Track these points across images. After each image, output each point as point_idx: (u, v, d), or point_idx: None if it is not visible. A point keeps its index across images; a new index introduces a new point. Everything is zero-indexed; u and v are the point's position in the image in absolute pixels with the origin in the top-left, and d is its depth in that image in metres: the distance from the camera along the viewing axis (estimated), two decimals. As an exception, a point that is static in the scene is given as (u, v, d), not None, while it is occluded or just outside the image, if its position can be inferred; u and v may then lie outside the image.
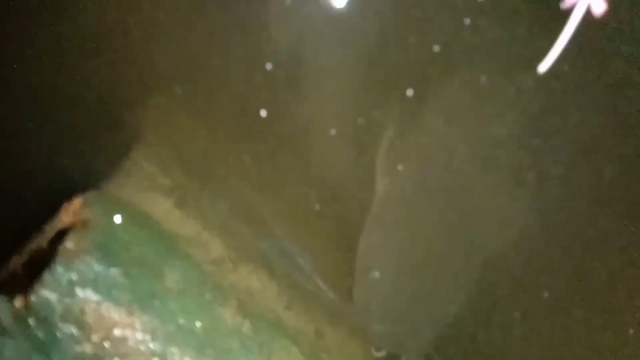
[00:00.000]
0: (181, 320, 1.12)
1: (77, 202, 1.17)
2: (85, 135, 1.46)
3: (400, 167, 1.54)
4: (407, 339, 1.66)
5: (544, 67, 1.26)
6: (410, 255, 1.60)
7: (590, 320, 1.51)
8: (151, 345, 1.04)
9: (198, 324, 1.15)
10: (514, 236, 1.52)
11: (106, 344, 1.00)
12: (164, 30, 1.51)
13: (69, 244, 1.06)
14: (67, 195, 1.22)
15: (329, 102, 1.53)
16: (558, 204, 1.52)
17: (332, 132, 1.51)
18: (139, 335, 1.02)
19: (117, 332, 1.01)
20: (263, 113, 1.48)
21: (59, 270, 1.00)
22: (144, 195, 1.39)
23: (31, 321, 0.98)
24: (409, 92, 1.44)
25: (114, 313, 1.01)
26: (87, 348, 0.99)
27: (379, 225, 1.59)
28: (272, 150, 1.59)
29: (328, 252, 1.65)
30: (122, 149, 1.48)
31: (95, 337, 0.99)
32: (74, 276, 1.00)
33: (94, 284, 1.01)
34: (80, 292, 0.99)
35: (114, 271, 1.06)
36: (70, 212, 1.16)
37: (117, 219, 1.17)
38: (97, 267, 1.03)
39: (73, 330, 0.98)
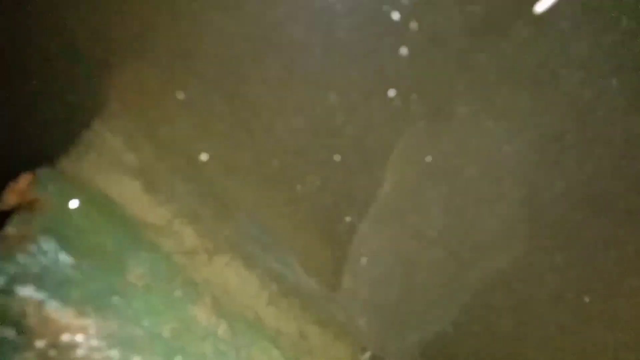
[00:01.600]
0: (146, 322, 0.95)
1: (24, 180, 0.99)
2: (39, 102, 1.27)
3: (415, 166, 1.44)
4: (392, 339, 1.56)
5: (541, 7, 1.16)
6: (406, 254, 1.48)
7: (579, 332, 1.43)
8: (108, 353, 0.87)
9: (166, 326, 0.98)
10: (511, 246, 1.45)
11: (52, 352, 0.83)
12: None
13: (10, 229, 0.88)
14: (14, 172, 1.04)
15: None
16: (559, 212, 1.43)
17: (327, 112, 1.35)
18: (94, 342, 0.85)
19: (65, 337, 0.83)
20: (248, 87, 1.32)
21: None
22: (107, 174, 1.22)
23: (-40, 323, 0.80)
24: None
25: (62, 315, 0.84)
26: (29, 356, 0.82)
27: (380, 219, 1.48)
28: (256, 129, 1.43)
29: (312, 241, 1.51)
30: (82, 118, 1.30)
31: (39, 344, 0.82)
32: (13, 270, 0.82)
33: (39, 279, 0.83)
34: (20, 290, 0.82)
35: (65, 263, 0.88)
36: (15, 192, 0.97)
37: (73, 202, 0.99)
38: (44, 258, 0.85)
39: (11, 335, 0.81)
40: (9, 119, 1.21)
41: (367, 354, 1.53)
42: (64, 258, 0.90)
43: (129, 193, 1.21)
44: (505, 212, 1.46)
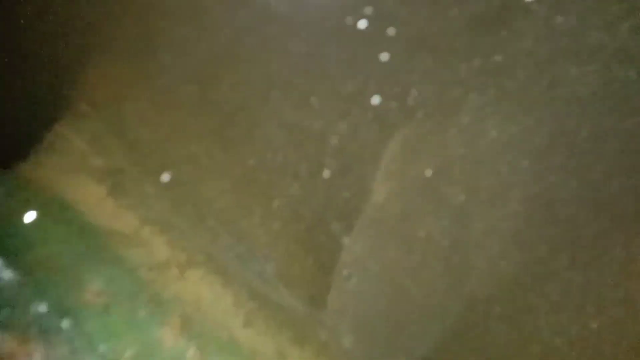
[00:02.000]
0: (102, 348, 0.84)
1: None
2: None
3: (408, 173, 1.37)
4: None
5: None
6: (397, 271, 1.41)
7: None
8: (55, 385, 0.76)
9: (126, 351, 0.88)
10: (508, 268, 1.37)
11: (-11, 383, 0.72)
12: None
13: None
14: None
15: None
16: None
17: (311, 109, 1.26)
18: (38, 371, 0.74)
19: (5, 366, 0.73)
20: (225, 84, 1.23)
21: None
22: (69, 179, 1.11)
23: None
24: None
25: (2, 339, 0.73)
26: (-39, 389, 0.71)
27: (370, 232, 1.40)
28: (232, 136, 1.34)
29: (294, 254, 1.42)
30: (45, 118, 1.19)
31: (-28, 374, 0.71)
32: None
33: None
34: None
35: (7, 279, 0.77)
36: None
37: (21, 207, 0.88)
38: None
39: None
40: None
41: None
42: (7, 274, 0.79)
43: (93, 198, 1.10)
44: (503, 225, 1.39)
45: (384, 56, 1.22)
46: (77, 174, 1.14)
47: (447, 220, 1.41)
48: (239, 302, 1.25)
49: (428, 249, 1.40)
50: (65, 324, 0.81)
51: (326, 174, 1.36)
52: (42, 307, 0.80)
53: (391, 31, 1.21)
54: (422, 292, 1.42)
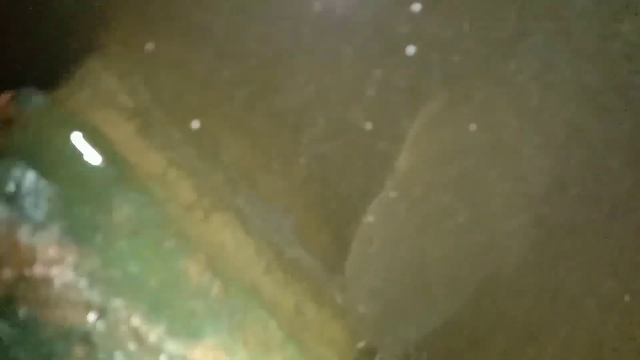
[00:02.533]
0: (131, 267, 0.83)
1: (4, 98, 0.87)
2: (33, 23, 1.17)
3: (434, 146, 1.37)
4: (389, 330, 1.47)
5: None
6: (416, 247, 1.41)
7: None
8: (87, 294, 0.75)
9: (153, 276, 0.87)
10: (521, 253, 1.36)
11: (21, 286, 0.71)
12: None
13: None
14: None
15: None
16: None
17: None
18: (71, 278, 0.73)
19: (39, 269, 0.72)
20: (256, 34, 1.22)
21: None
22: (99, 111, 1.10)
23: None
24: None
25: (36, 242, 0.72)
26: (-8, 288, 0.70)
27: (393, 199, 1.38)
28: (259, 90, 1.33)
29: (315, 217, 1.42)
30: (79, 51, 1.19)
31: (5, 274, 0.70)
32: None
33: (11, 199, 0.72)
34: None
35: (42, 185, 0.76)
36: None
37: (57, 127, 0.88)
38: (17, 172, 0.73)
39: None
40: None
41: (362, 343, 1.44)
42: (42, 183, 0.78)
43: (121, 134, 1.09)
44: (524, 210, 1.38)
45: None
46: (107, 109, 1.14)
47: (468, 194, 1.40)
48: (260, 250, 1.24)
49: (448, 222, 1.40)
50: (98, 238, 0.80)
51: (356, 131, 1.35)
52: (76, 219, 0.79)
53: None
54: (440, 265, 1.41)
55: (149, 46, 1.28)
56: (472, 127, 1.33)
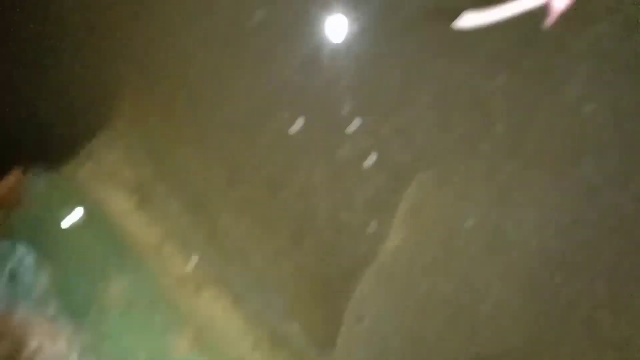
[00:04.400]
0: (123, 342, 0.89)
1: (12, 179, 0.94)
2: (44, 102, 1.26)
3: (421, 224, 1.42)
4: None
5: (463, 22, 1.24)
6: (411, 317, 1.44)
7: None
8: (76, 368, 0.80)
9: (143, 349, 0.91)
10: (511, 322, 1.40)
11: (17, 358, 0.76)
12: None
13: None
14: (8, 166, 1.01)
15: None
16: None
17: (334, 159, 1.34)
18: (63, 351, 0.78)
19: (33, 344, 0.77)
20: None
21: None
22: (103, 185, 1.18)
23: None
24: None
25: (32, 317, 0.78)
26: (-11, 360, 0.75)
27: (381, 278, 1.44)
28: (266, 170, 1.41)
29: (306, 293, 1.46)
30: (87, 127, 1.28)
31: (2, 347, 0.75)
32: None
33: (10, 275, 0.78)
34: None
35: (41, 264, 0.82)
36: (3, 185, 0.93)
37: (61, 204, 0.95)
38: (19, 252, 0.80)
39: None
40: (12, 113, 1.19)
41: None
42: (41, 260, 0.84)
43: (122, 207, 1.17)
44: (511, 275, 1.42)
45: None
46: (111, 184, 1.21)
47: (457, 274, 1.44)
48: (249, 326, 1.28)
49: (437, 298, 1.43)
50: (92, 313, 0.86)
51: (344, 216, 1.42)
52: (72, 295, 0.85)
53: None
54: (430, 340, 1.44)
55: (154, 121, 1.37)
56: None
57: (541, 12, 1.22)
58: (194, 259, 1.28)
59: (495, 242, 1.41)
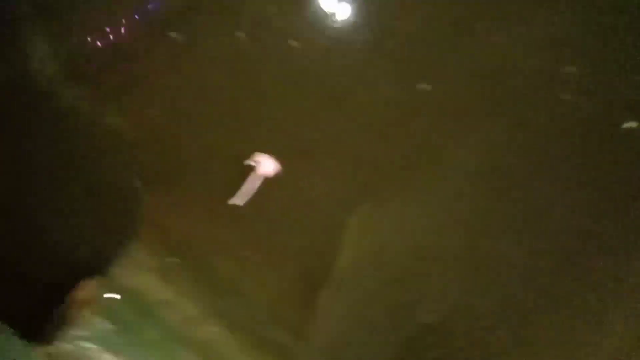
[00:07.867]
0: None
1: (90, 283, 1.86)
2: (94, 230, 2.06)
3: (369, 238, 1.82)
4: None
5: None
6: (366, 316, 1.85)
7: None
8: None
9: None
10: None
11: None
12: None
13: (82, 312, 1.75)
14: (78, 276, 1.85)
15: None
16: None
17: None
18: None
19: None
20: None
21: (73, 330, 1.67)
22: (137, 275, 2.06)
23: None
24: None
25: (104, 354, 1.68)
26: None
27: (340, 286, 1.85)
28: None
29: (287, 301, 2.00)
30: (127, 242, 2.00)
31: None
32: (82, 333, 1.68)
33: (95, 338, 1.69)
34: (85, 343, 1.67)
35: (109, 328, 1.73)
36: (84, 289, 1.85)
37: (115, 296, 1.86)
38: (99, 326, 1.71)
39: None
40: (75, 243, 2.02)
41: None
42: (109, 326, 1.75)
43: (148, 283, 1.97)
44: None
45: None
46: (142, 272, 2.08)
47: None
48: (243, 339, 2.01)
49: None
50: (138, 349, 1.76)
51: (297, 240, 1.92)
52: (127, 339, 1.76)
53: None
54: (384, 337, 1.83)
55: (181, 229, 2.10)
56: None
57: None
58: (197, 301, 1.94)
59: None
